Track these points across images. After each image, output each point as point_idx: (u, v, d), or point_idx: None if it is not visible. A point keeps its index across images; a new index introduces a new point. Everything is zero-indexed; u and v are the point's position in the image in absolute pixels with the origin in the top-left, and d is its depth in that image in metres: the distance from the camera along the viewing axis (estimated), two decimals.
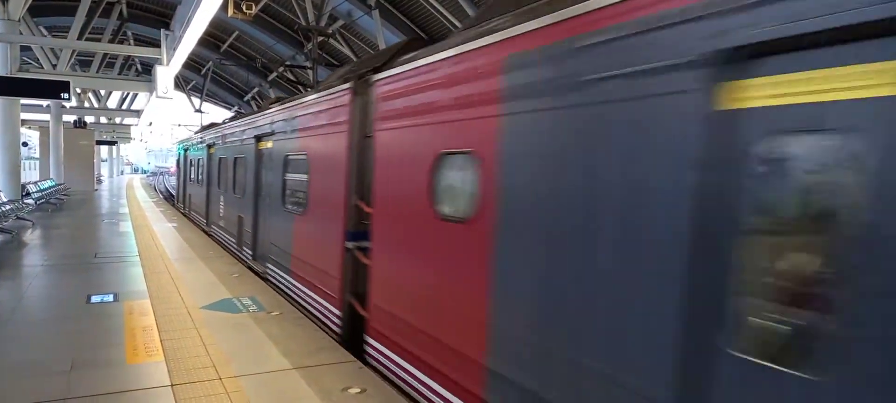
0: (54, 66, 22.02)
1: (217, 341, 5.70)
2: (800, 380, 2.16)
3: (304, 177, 7.76)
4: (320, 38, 21.14)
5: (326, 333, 6.31)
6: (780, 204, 2.30)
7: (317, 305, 7.08)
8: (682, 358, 2.55)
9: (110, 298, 7.29)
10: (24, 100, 18.64)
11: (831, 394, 2.07)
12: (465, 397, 4.06)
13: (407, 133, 5.04)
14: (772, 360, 2.26)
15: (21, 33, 19.67)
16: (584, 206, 3.09)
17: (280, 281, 8.69)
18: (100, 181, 41.13)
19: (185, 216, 19.56)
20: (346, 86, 6.34)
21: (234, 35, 33.52)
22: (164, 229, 14.78)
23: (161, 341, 5.64)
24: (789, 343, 2.26)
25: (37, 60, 24.80)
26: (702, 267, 2.48)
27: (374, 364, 5.47)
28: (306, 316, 6.91)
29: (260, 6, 24.19)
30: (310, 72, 22.14)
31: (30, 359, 5.08)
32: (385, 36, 21.84)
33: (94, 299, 7.23)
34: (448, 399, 4.28)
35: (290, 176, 8.47)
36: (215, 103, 51.84)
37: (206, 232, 14.90)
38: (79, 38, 20.87)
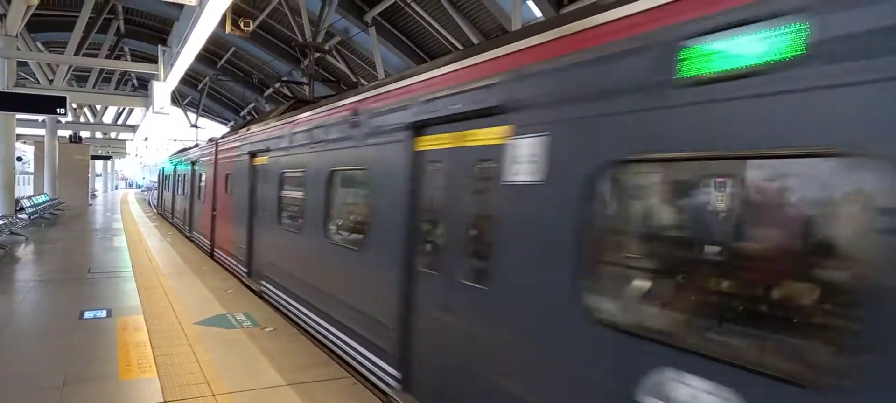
0: (51, 81, 22.04)
1: (211, 357, 5.69)
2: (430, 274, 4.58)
3: (204, 183, 15.45)
4: (317, 55, 21.27)
5: (203, 253, 13.58)
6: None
7: (204, 245, 14.61)
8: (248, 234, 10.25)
9: (103, 314, 7.27)
10: (19, 115, 18.62)
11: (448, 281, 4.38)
12: (235, 257, 11.06)
13: (221, 164, 12.97)
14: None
15: (18, 49, 19.69)
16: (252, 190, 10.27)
17: (197, 240, 15.87)
18: (94, 196, 40.98)
19: (160, 215, 27.03)
20: (213, 141, 14.69)
21: (230, 51, 33.64)
22: (158, 244, 14.76)
23: (154, 357, 5.62)
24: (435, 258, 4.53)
25: (33, 75, 24.79)
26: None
27: (217, 259, 12.60)
28: (193, 244, 15.06)
29: (257, 23, 24.33)
30: (306, 88, 22.24)
31: (22, 374, 5.06)
32: (381, 53, 21.99)
33: (88, 314, 7.20)
34: (232, 263, 11.20)
35: (200, 183, 16.11)
36: (211, 118, 51.85)
37: (170, 223, 22.47)
38: (76, 54, 20.90)
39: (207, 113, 50.10)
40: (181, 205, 20.66)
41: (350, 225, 6.39)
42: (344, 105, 6.15)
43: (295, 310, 7.44)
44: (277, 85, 30.35)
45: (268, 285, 8.76)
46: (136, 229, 18.63)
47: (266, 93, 36.96)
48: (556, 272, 3.16)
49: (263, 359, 5.69)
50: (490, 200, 3.80)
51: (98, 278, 9.80)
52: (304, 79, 23.22)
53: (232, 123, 48.05)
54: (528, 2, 15.33)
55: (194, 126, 45.59)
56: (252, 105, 42.31)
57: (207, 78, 38.80)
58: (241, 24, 18.49)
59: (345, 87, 24.02)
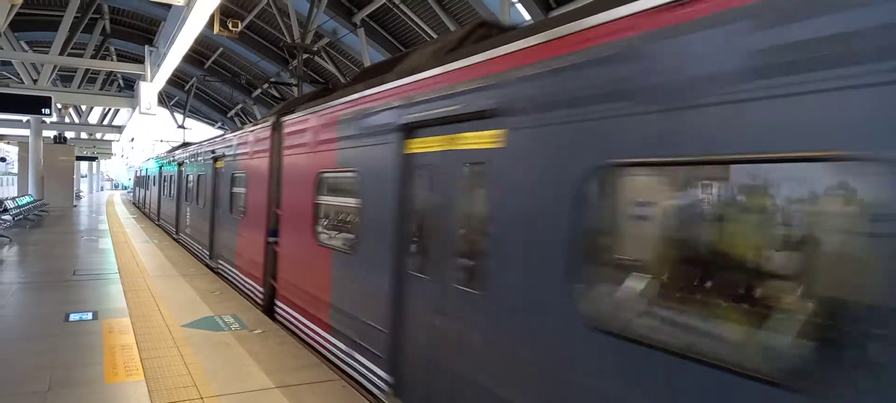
0: (35, 81, 21.79)
1: (198, 360, 5.65)
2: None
3: (155, 182, 23.72)
4: (305, 56, 21.22)
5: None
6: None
7: (152, 217, 23.42)
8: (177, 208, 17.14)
9: (89, 316, 7.20)
10: (3, 115, 18.41)
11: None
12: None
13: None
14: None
15: (2, 48, 19.48)
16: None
17: (150, 216, 24.01)
18: (79, 197, 40.55)
19: (137, 206, 33.82)
20: (156, 157, 26.57)
21: (218, 51, 33.46)
22: (144, 246, 14.63)
23: (141, 360, 5.58)
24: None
25: (17, 75, 24.51)
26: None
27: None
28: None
29: (245, 24, 24.22)
30: (295, 89, 22.18)
31: (6, 378, 5.00)
32: (370, 54, 21.97)
33: (73, 317, 7.13)
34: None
35: (154, 181, 24.13)
36: (198, 119, 51.54)
37: (140, 209, 30.50)
38: (61, 54, 20.69)
39: (195, 114, 49.79)
40: (149, 198, 27.30)
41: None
42: None
43: None
44: (265, 86, 30.23)
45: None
46: (122, 231, 18.46)
47: (254, 95, 36.80)
48: None
49: (252, 362, 5.66)
50: None
51: (83, 280, 9.70)
52: (293, 81, 23.14)
53: (219, 124, 47.75)
54: (516, 4, 15.39)
55: (181, 127, 45.30)
56: (239, 106, 42.09)
57: (195, 78, 38.57)
58: (230, 25, 18.43)
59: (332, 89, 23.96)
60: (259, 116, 35.33)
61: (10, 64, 24.53)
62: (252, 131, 9.44)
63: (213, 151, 12.35)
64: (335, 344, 5.85)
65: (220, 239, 11.38)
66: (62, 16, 20.38)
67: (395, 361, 4.68)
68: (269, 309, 7.96)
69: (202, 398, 4.72)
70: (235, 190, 10.32)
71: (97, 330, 6.57)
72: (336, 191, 6.28)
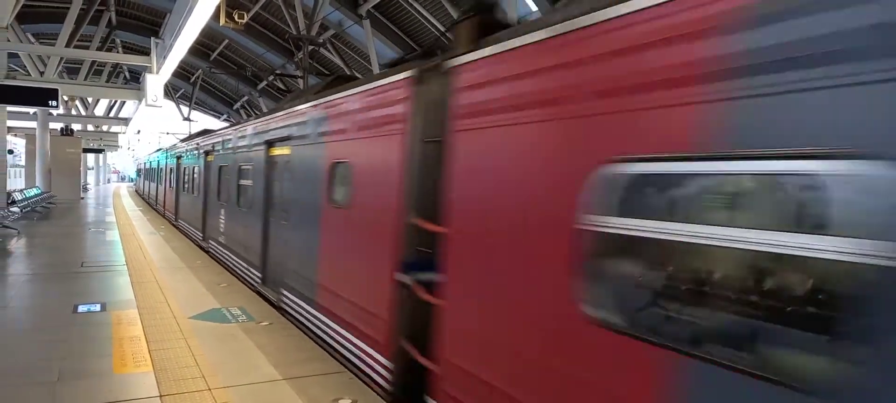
0: (42, 74, 21.84)
1: (206, 351, 5.67)
2: None
3: (157, 175, 26.87)
4: (311, 48, 21.17)
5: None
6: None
7: (153, 203, 27.69)
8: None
9: (97, 308, 7.23)
10: (10, 108, 18.44)
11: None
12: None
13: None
14: None
15: (8, 40, 19.47)
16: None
17: (149, 201, 29.13)
18: (86, 189, 40.73)
19: (139, 195, 37.90)
20: (162, 148, 30.14)
21: (223, 43, 33.45)
22: (151, 238, 14.68)
23: (149, 351, 5.60)
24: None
25: (24, 67, 24.56)
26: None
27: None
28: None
29: (251, 15, 24.18)
30: (300, 81, 22.15)
31: (16, 369, 5.03)
32: (376, 46, 21.90)
33: (81, 308, 7.16)
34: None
35: (151, 174, 30.65)
36: (204, 111, 51.59)
37: (140, 196, 35.81)
38: (67, 46, 20.72)
39: (200, 106, 49.86)
40: (149, 188, 31.57)
41: None
42: None
43: None
44: (271, 78, 30.19)
45: None
46: (129, 223, 18.53)
47: (259, 87, 36.78)
48: None
49: (259, 353, 5.67)
50: None
51: (91, 272, 9.74)
52: (299, 73, 23.12)
53: (225, 116, 47.83)
54: None
55: (187, 119, 45.41)
56: (245, 98, 42.12)
57: (200, 70, 38.58)
58: (235, 17, 18.41)
59: None
60: (264, 108, 35.35)
61: (17, 56, 24.55)
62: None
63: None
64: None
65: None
66: (68, 8, 20.39)
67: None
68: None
69: (210, 389, 4.73)
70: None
71: (105, 322, 6.59)
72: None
